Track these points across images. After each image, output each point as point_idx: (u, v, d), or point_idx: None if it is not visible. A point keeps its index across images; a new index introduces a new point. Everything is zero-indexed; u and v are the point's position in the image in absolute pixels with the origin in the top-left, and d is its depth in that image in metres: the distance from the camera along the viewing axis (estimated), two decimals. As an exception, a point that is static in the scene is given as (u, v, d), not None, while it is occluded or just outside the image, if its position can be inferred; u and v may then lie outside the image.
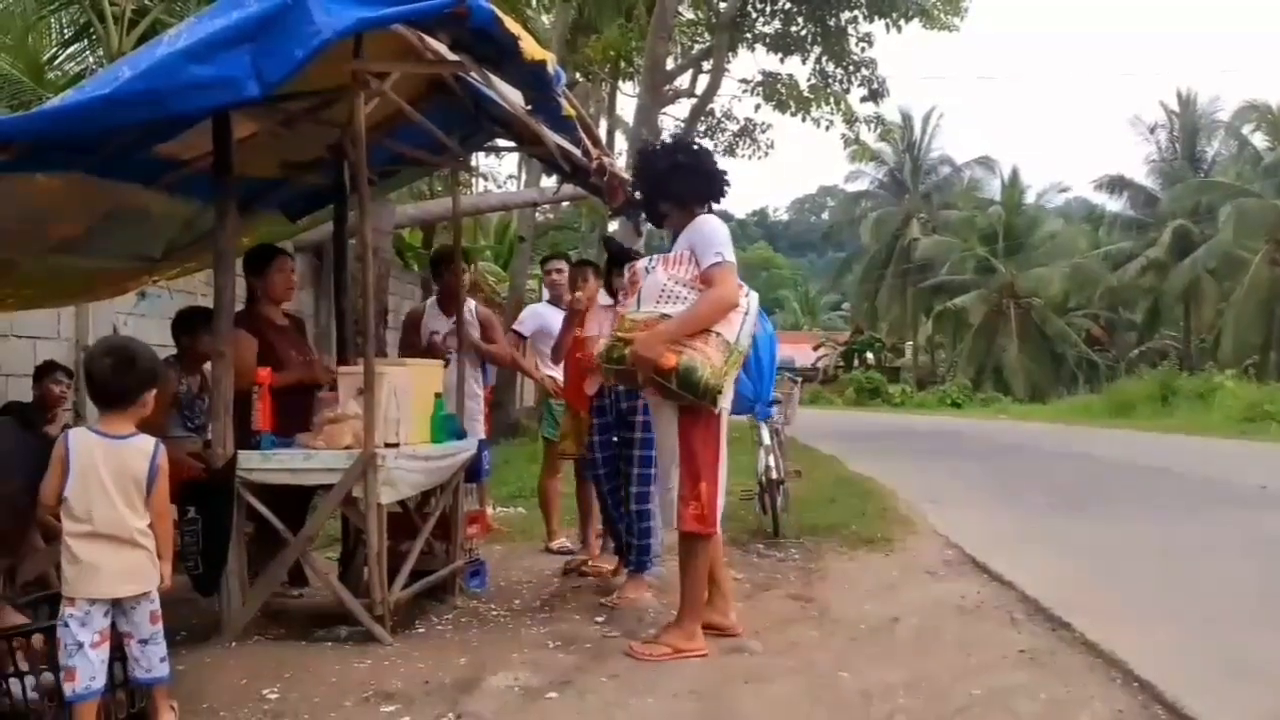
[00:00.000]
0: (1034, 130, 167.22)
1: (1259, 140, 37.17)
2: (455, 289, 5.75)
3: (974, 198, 45.95)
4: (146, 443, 3.04)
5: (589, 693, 3.52)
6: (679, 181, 4.19)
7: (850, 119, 18.58)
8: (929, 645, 4.16)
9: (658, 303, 3.95)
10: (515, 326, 6.70)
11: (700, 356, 3.83)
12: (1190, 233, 36.57)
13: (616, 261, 4.34)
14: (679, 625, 4.03)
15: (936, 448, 16.54)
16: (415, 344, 5.99)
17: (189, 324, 5.15)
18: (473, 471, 5.66)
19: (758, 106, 18.99)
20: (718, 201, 4.32)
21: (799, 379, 11.03)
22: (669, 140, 4.71)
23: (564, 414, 6.21)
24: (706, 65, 18.51)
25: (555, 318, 6.50)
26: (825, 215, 73.71)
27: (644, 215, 4.56)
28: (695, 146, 4.60)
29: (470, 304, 5.91)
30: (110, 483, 2.95)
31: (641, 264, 4.13)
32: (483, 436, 5.94)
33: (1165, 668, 3.58)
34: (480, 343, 5.82)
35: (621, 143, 19.57)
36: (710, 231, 4.05)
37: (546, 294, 6.94)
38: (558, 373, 6.30)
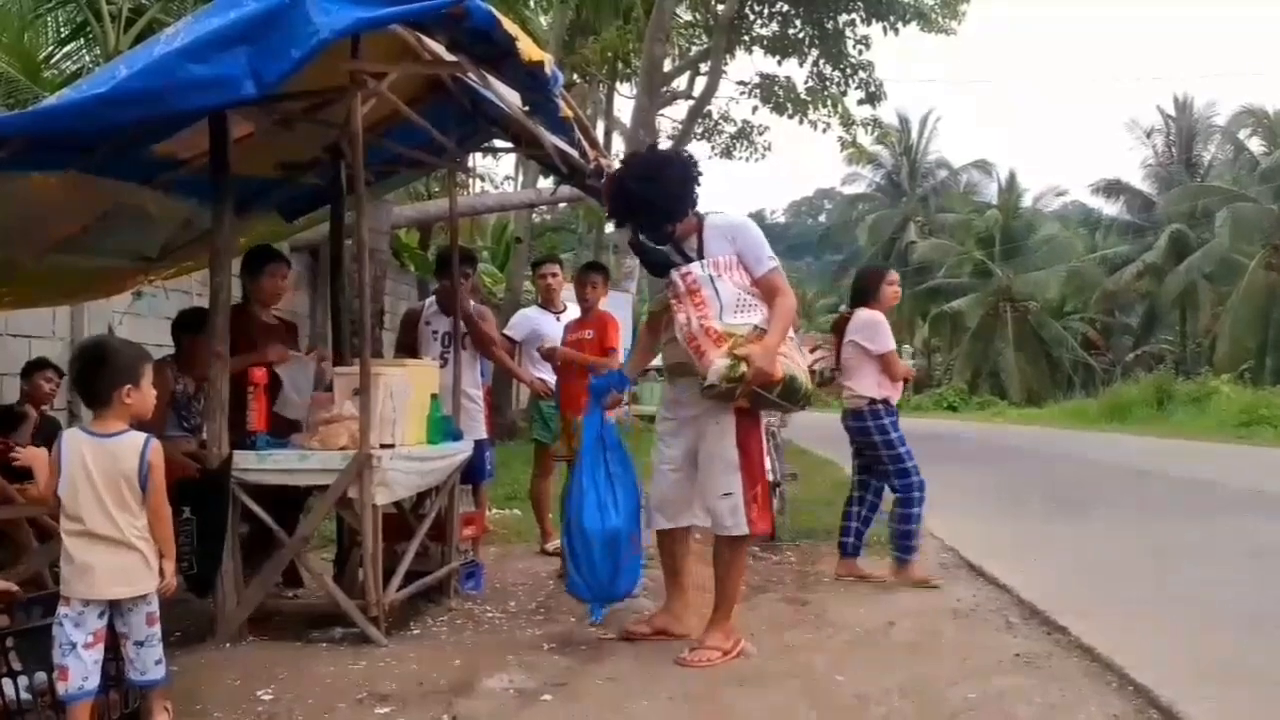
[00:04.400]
0: (1031, 134, 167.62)
1: (1255, 145, 37.23)
2: (454, 290, 5.74)
3: (971, 201, 45.97)
4: (136, 439, 3.02)
5: (584, 695, 3.51)
6: (688, 191, 4.05)
7: (847, 122, 18.60)
8: (925, 649, 4.15)
9: (737, 313, 3.88)
10: (506, 331, 6.68)
11: (793, 364, 3.92)
12: (1186, 237, 36.61)
13: (661, 270, 4.06)
14: (718, 626, 4.03)
15: (932, 451, 16.45)
16: (413, 343, 5.98)
17: (189, 324, 5.14)
18: (475, 472, 5.67)
19: (755, 109, 19.07)
20: None
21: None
22: (650, 157, 4.41)
23: (555, 417, 6.21)
24: (704, 67, 18.54)
25: (546, 322, 6.51)
26: (822, 218, 73.72)
27: (653, 237, 4.06)
28: (681, 153, 4.51)
29: (470, 302, 5.92)
30: (100, 481, 2.94)
31: (697, 271, 3.92)
32: (484, 436, 5.95)
33: (1161, 672, 3.58)
34: (477, 322, 5.79)
35: (619, 144, 19.58)
36: (757, 235, 4.06)
37: (540, 297, 6.92)
38: (549, 375, 6.30)
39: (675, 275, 3.94)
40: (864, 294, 5.68)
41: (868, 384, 5.48)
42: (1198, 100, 41.33)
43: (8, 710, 3.02)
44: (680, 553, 4.35)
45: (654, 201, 3.97)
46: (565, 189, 6.49)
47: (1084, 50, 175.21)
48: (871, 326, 5.51)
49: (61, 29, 10.18)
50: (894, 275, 5.85)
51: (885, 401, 5.47)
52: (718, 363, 3.76)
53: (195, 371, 4.89)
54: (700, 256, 3.98)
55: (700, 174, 4.11)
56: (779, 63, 18.25)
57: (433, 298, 6.18)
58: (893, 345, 5.49)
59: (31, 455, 3.27)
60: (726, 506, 3.98)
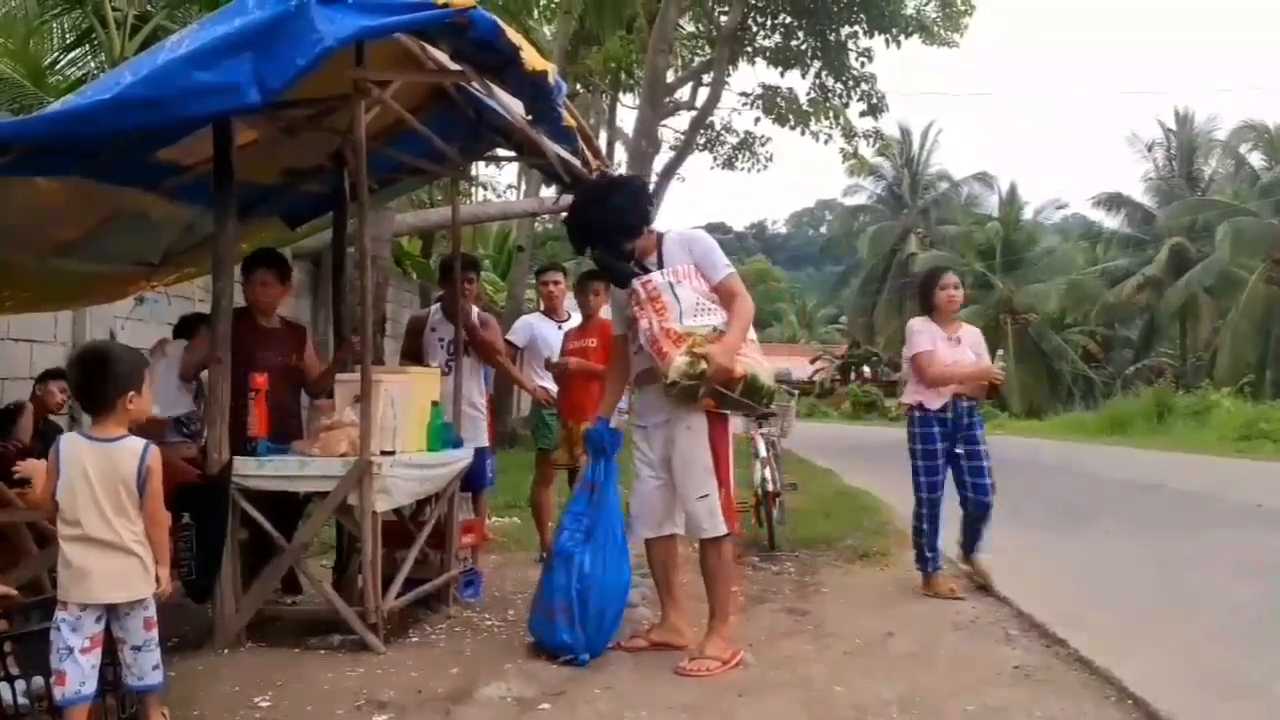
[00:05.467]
0: (1032, 147, 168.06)
1: (1256, 159, 37.29)
2: (457, 296, 5.75)
3: (972, 213, 45.98)
4: (135, 444, 3.03)
5: (582, 704, 3.51)
6: (636, 211, 4.18)
7: (849, 133, 18.66)
8: (924, 661, 4.15)
9: (696, 315, 3.98)
10: (509, 337, 6.68)
11: (754, 364, 4.00)
12: (1187, 250, 36.65)
13: (625, 282, 4.15)
14: (716, 636, 4.04)
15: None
16: (418, 350, 5.98)
17: (191, 329, 5.15)
18: (475, 479, 5.66)
19: (757, 120, 19.13)
20: None
21: (795, 392, 11.02)
22: (596, 182, 4.63)
23: (556, 424, 6.21)
24: (706, 78, 18.59)
25: (548, 329, 6.52)
26: (823, 229, 73.71)
27: (613, 255, 4.20)
28: (629, 178, 4.60)
29: (473, 310, 5.92)
30: (98, 486, 2.94)
31: (657, 279, 4.04)
32: (485, 444, 5.94)
33: (1160, 685, 3.58)
34: (478, 330, 5.79)
35: (621, 154, 19.63)
36: (710, 244, 4.18)
37: (543, 305, 6.93)
38: (550, 383, 6.30)
39: (636, 284, 4.08)
40: (923, 301, 5.67)
41: (909, 391, 5.57)
42: (1199, 114, 41.53)
43: (5, 715, 3.02)
44: (669, 563, 4.35)
45: (604, 222, 4.13)
46: (567, 198, 6.48)
47: (1086, 63, 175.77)
48: (907, 334, 5.57)
49: (67, 35, 10.20)
50: (948, 278, 5.59)
51: (919, 406, 5.46)
52: (678, 360, 3.88)
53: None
54: (661, 268, 4.12)
55: (650, 196, 4.27)
56: (781, 74, 18.36)
57: (437, 305, 6.18)
58: (920, 348, 5.41)
59: (31, 468, 3.28)
60: (704, 509, 4.04)
